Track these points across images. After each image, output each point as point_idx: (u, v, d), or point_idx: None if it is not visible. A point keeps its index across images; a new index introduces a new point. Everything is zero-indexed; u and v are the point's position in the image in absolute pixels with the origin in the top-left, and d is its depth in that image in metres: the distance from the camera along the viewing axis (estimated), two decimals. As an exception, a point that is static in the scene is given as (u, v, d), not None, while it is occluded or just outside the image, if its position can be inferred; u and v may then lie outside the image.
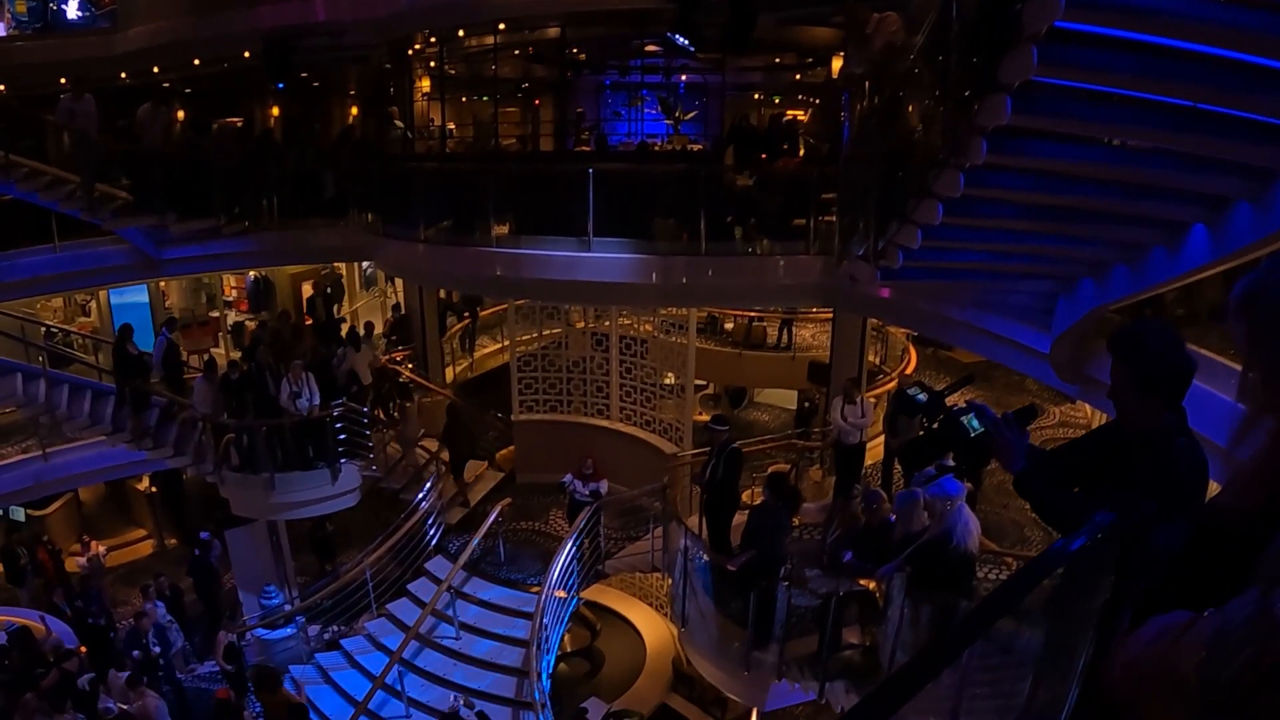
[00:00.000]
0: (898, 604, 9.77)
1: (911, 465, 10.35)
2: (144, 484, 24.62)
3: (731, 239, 16.13)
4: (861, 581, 10.65)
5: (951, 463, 9.54)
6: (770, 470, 15.85)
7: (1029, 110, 6.09)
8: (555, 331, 21.00)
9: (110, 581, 21.33)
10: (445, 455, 19.88)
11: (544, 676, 14.83)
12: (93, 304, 26.20)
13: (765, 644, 11.66)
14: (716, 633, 12.64)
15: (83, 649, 16.23)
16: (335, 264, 27.25)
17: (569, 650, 18.21)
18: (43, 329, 23.50)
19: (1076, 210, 8.05)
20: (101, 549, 21.52)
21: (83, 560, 20.54)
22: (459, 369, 24.57)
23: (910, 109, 9.52)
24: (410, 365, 22.28)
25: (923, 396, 4.75)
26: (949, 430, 4.41)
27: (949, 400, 4.63)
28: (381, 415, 20.27)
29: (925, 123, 8.71)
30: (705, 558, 13.09)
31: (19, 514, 22.96)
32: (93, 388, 19.98)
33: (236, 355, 18.95)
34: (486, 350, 26.10)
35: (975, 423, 4.24)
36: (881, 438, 17.07)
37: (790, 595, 11.07)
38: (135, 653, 16.45)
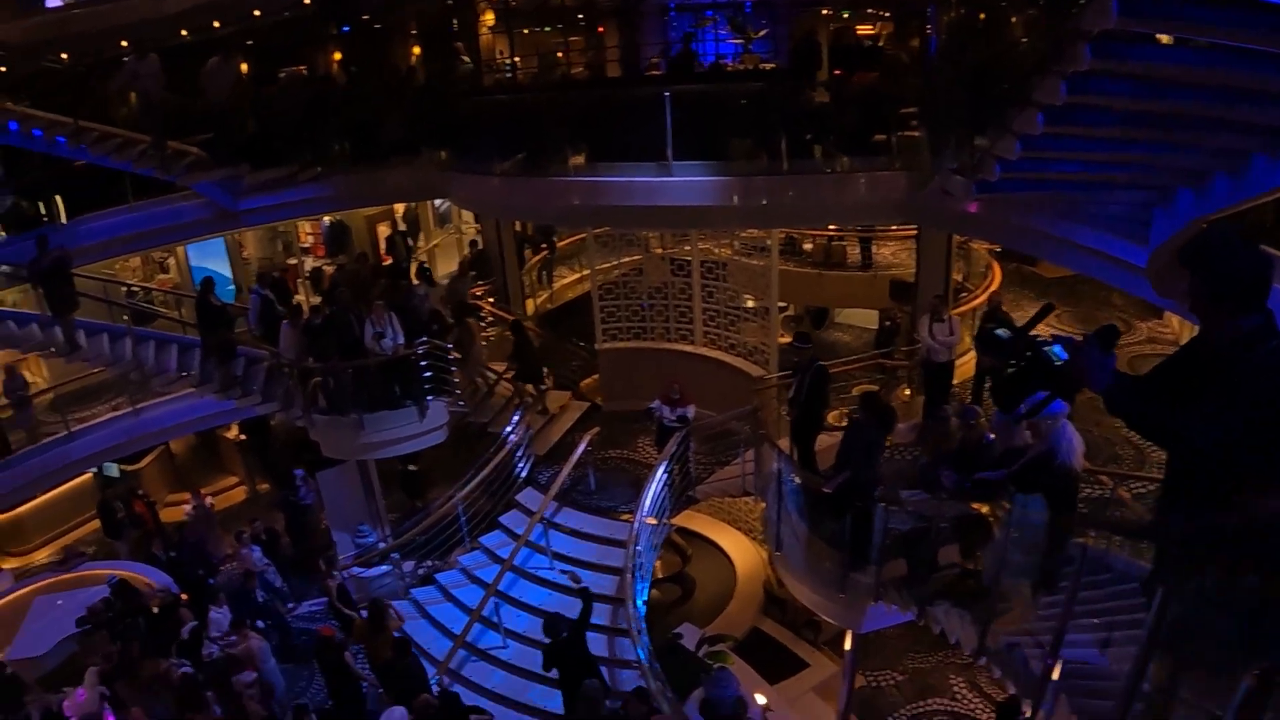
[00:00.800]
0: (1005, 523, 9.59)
1: (1005, 404, 10.11)
2: (233, 432, 25.20)
3: (811, 157, 15.85)
4: (961, 503, 10.46)
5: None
6: (861, 390, 15.76)
7: (1135, 12, 5.84)
8: (635, 259, 20.86)
9: (199, 531, 21.71)
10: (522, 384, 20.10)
11: (639, 603, 14.93)
12: (171, 260, 26.62)
13: (862, 566, 11.56)
14: (811, 556, 12.56)
15: (184, 596, 16.63)
16: (410, 203, 27.31)
17: (660, 577, 18.32)
18: (124, 289, 23.97)
19: (1177, 117, 7.77)
20: (209, 499, 21.98)
21: (189, 509, 20.98)
22: (539, 301, 24.58)
23: (1012, 19, 9.22)
24: (491, 299, 22.32)
25: (1006, 333, 4.69)
26: (1036, 363, 4.35)
27: (1032, 333, 4.53)
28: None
29: (1025, 30, 8.45)
30: (798, 480, 12.99)
31: (113, 470, 23.59)
32: (178, 342, 20.33)
33: (316, 300, 19.02)
34: (565, 281, 26.14)
35: (1060, 351, 4.21)
36: (970, 355, 16.82)
37: (887, 516, 10.96)
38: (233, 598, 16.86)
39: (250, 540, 18.15)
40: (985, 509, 10.10)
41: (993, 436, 10.93)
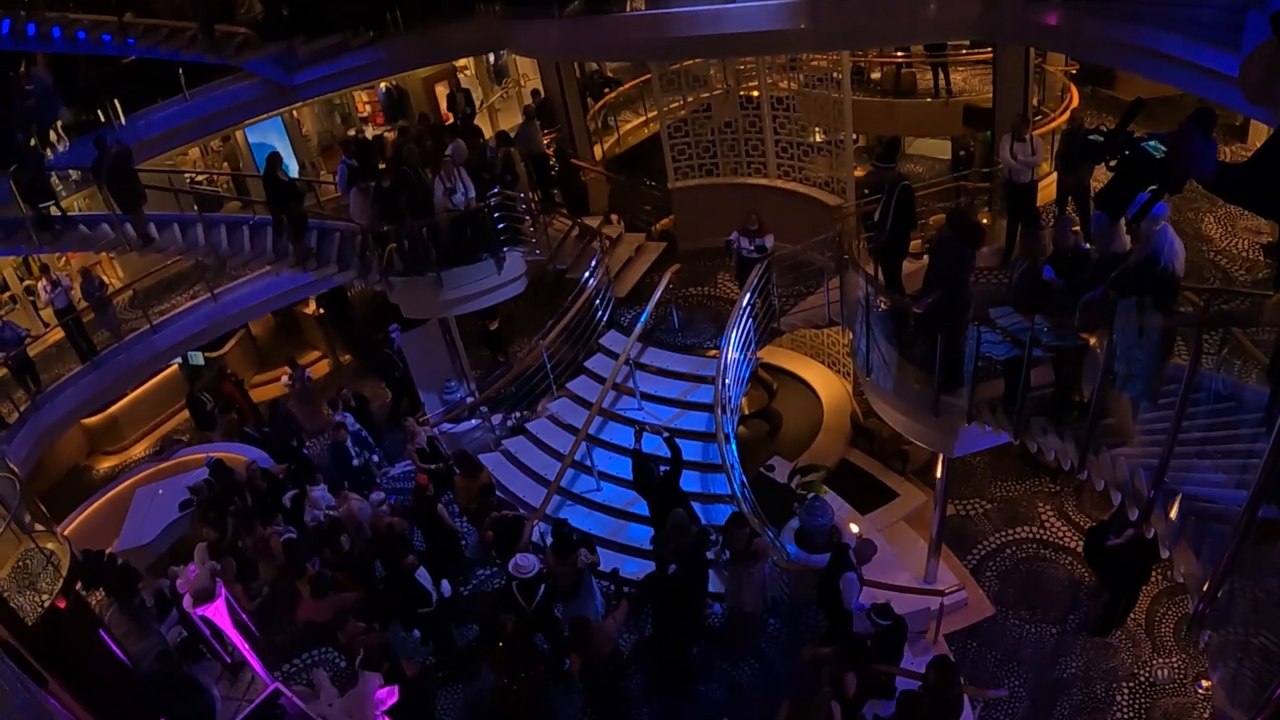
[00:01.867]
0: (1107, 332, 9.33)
1: (1112, 207, 9.70)
2: (311, 308, 25.59)
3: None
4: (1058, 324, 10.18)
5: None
6: (940, 220, 15.38)
7: None
8: (702, 96, 20.31)
9: (292, 404, 22.29)
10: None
11: (731, 439, 14.98)
12: (231, 145, 26.74)
13: (954, 388, 11.40)
14: (902, 380, 12.38)
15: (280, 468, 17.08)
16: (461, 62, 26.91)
17: (747, 413, 18.39)
18: (188, 178, 24.06)
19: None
20: (307, 369, 22.35)
21: (287, 380, 21.34)
22: (606, 146, 24.21)
23: None
24: (551, 138, 22.10)
25: (1099, 137, 4.45)
26: (1137, 160, 4.14)
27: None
28: (537, 199, 20.10)
29: None
30: (886, 304, 12.78)
31: (197, 358, 24.11)
32: (249, 222, 20.28)
33: (381, 166, 18.93)
34: (630, 125, 25.68)
35: (1157, 146, 4.01)
36: (1052, 177, 16.31)
37: (979, 336, 10.74)
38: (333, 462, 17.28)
39: (341, 407, 18.44)
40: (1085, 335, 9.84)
41: (1087, 246, 10.63)
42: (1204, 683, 12.87)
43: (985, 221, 16.93)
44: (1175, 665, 13.26)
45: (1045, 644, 13.76)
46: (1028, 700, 13.07)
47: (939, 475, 13.17)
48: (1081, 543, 14.55)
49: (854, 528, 13.90)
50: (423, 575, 12.72)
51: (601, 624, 11.91)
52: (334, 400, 19.03)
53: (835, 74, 17.27)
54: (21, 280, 24.27)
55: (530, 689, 11.26)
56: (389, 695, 10.62)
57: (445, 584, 12.93)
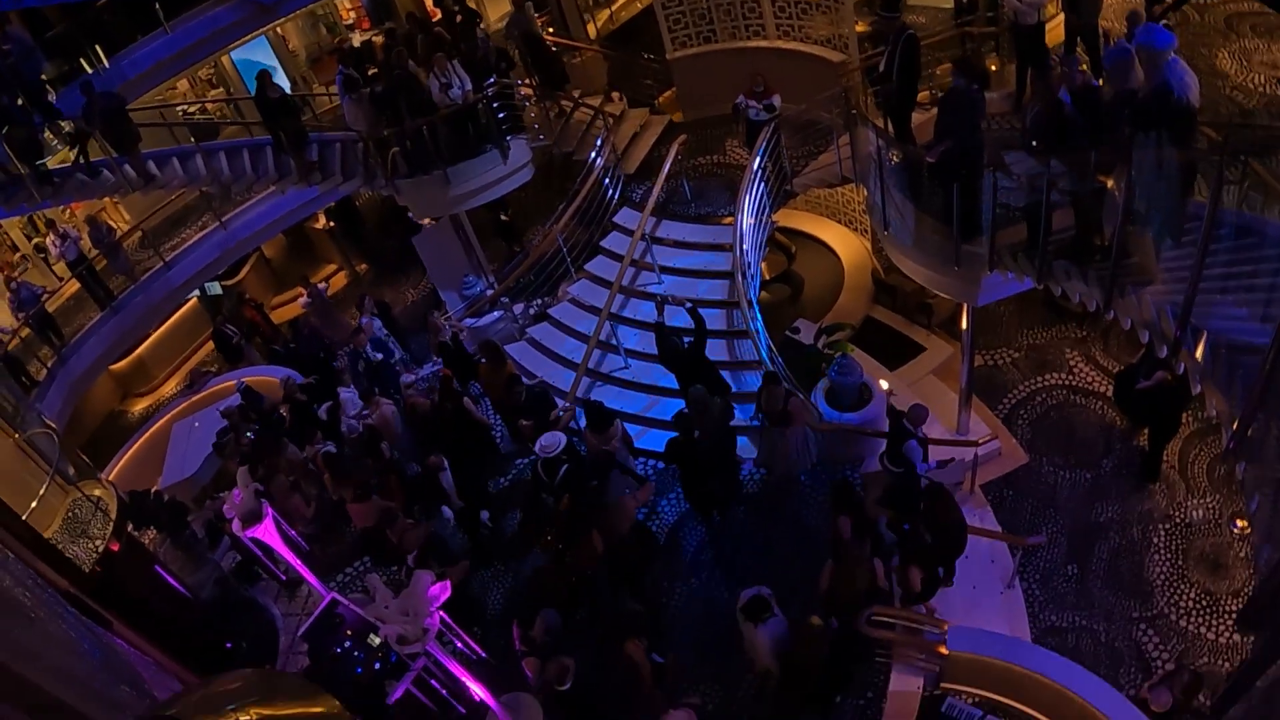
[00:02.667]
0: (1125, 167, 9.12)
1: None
2: (321, 222, 25.41)
3: None
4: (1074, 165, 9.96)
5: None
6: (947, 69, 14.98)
7: None
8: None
9: (313, 319, 22.10)
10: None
11: (754, 304, 14.95)
12: (218, 75, 26.43)
13: (973, 237, 11.26)
14: (921, 232, 12.23)
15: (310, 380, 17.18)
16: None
17: (768, 278, 18.28)
18: (180, 111, 23.83)
19: None
20: (321, 283, 22.35)
21: (305, 299, 21.35)
22: (600, 23, 23.65)
23: None
24: (550, 29, 21.52)
25: None
26: None
27: None
28: (535, 84, 19.74)
29: None
30: (898, 156, 12.53)
31: (215, 288, 24.10)
32: (247, 145, 20.08)
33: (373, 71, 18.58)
34: (621, 1, 25.00)
35: None
36: (1058, 18, 15.80)
37: (996, 181, 10.53)
38: (360, 364, 17.32)
39: (369, 310, 18.41)
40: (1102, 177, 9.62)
41: (1098, 82, 10.35)
42: (1239, 522, 12.99)
43: (994, 68, 16.52)
44: (1210, 506, 13.33)
45: (1080, 489, 13.85)
46: (1066, 545, 13.22)
47: (964, 326, 13.08)
48: (1111, 387, 14.51)
49: (883, 384, 13.88)
50: (446, 480, 12.85)
51: (620, 501, 12.03)
52: (359, 306, 18.98)
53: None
54: (30, 239, 24.30)
55: (584, 556, 11.44)
56: (442, 591, 10.75)
57: (485, 513, 13.11)
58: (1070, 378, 15.42)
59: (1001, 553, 12.78)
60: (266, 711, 3.91)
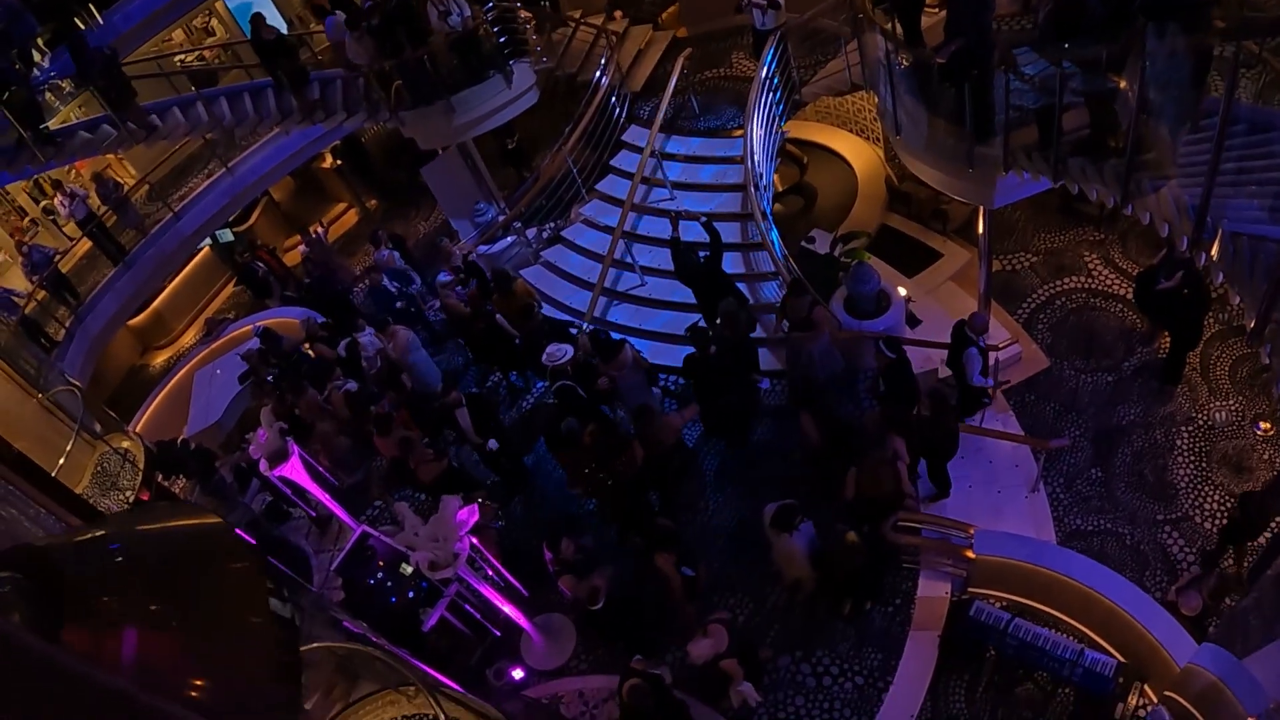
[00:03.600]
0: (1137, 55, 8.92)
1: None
2: (328, 161, 25.19)
3: None
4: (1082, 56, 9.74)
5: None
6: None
7: None
8: None
9: (310, 269, 22.11)
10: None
11: (768, 215, 14.85)
12: (214, 23, 26.22)
13: (987, 138, 11.07)
14: (933, 136, 12.02)
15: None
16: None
17: (781, 190, 18.14)
18: (178, 60, 23.62)
19: None
20: (319, 228, 22.28)
21: (303, 248, 21.30)
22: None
23: None
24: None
25: None
26: None
27: None
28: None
29: None
30: (907, 60, 12.31)
31: (226, 235, 23.89)
32: (248, 89, 19.95)
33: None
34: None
35: None
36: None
37: (1008, 80, 10.34)
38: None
39: (386, 242, 18.37)
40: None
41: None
42: (1262, 424, 12.94)
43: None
44: (1233, 408, 13.24)
45: (1102, 392, 13.77)
46: (1090, 448, 13.16)
47: (981, 230, 12.92)
48: (1131, 289, 14.33)
49: (901, 291, 13.80)
50: (464, 418, 12.91)
51: (667, 414, 12.07)
52: (372, 241, 18.91)
53: None
54: (38, 203, 24.26)
55: (624, 466, 11.54)
56: (470, 515, 10.89)
57: (493, 442, 13.12)
58: (1089, 280, 15.25)
59: (1025, 457, 12.78)
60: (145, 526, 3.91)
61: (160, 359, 24.31)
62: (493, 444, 13.00)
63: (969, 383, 12.04)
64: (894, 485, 10.82)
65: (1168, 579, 11.71)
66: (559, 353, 12.19)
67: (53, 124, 19.50)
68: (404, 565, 10.82)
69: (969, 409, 12.53)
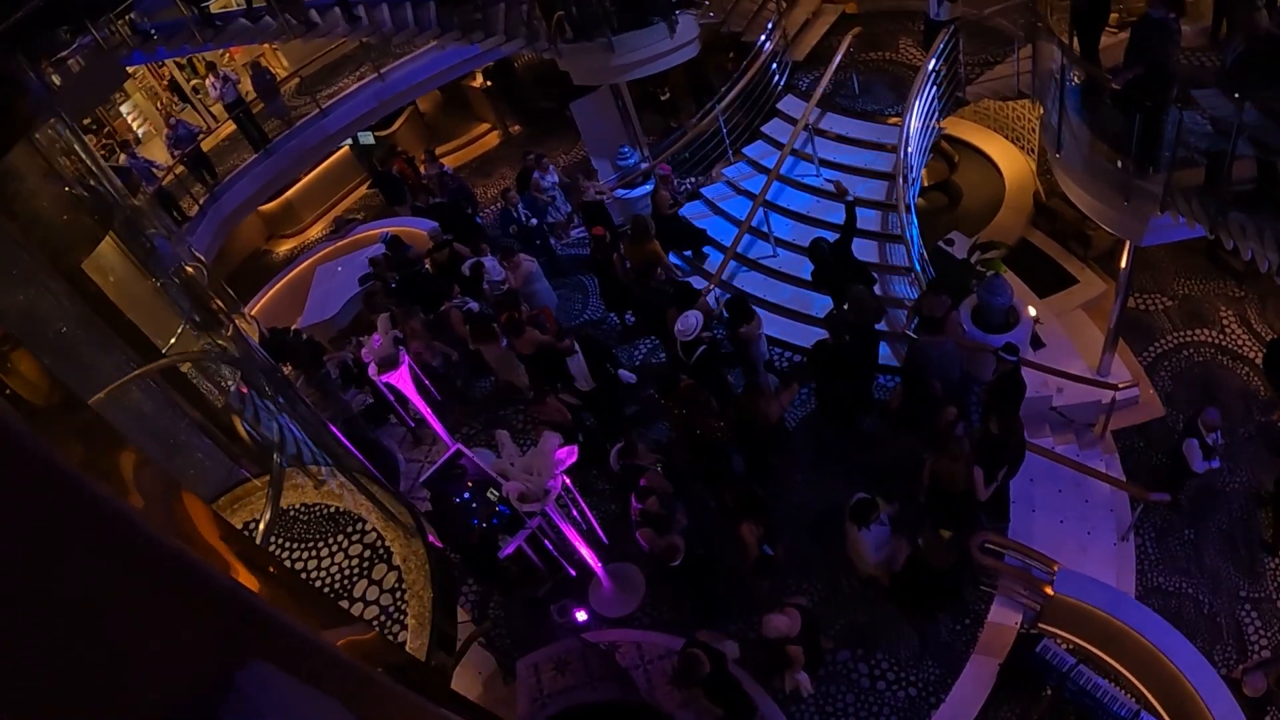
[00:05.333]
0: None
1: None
2: (478, 81, 25.38)
3: None
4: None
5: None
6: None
7: None
8: None
9: (466, 175, 22.55)
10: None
11: (911, 209, 14.68)
12: None
13: (1149, 172, 10.77)
14: (1094, 159, 11.74)
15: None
16: None
17: (927, 184, 17.87)
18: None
19: None
20: (445, 165, 22.13)
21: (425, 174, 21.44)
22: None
23: None
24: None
25: None
26: None
27: None
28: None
29: None
30: (1081, 77, 12.00)
31: (368, 138, 24.34)
32: (410, -1, 20.10)
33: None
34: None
35: None
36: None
37: (1181, 117, 10.01)
38: (511, 227, 17.52)
39: (545, 165, 18.43)
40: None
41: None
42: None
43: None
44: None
45: (1212, 452, 13.40)
46: (1188, 506, 12.82)
47: (1123, 264, 12.57)
48: (1262, 354, 13.92)
49: (1031, 310, 13.53)
50: (576, 364, 13.00)
51: (771, 392, 12.07)
52: (535, 158, 18.81)
53: None
54: (188, 80, 24.84)
55: (713, 430, 11.61)
56: (568, 455, 11.00)
57: (628, 374, 13.29)
58: (1221, 336, 14.80)
59: (1122, 503, 12.53)
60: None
61: (285, 247, 24.96)
62: (629, 376, 13.08)
63: (1189, 468, 11.77)
64: (967, 481, 10.71)
65: (1237, 656, 11.49)
66: (688, 326, 12.17)
67: (214, 7, 19.94)
68: (491, 491, 10.99)
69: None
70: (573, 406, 12.72)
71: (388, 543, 5.77)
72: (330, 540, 5.91)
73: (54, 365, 5.27)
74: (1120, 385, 12.81)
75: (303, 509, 6.17)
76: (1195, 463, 11.62)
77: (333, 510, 6.11)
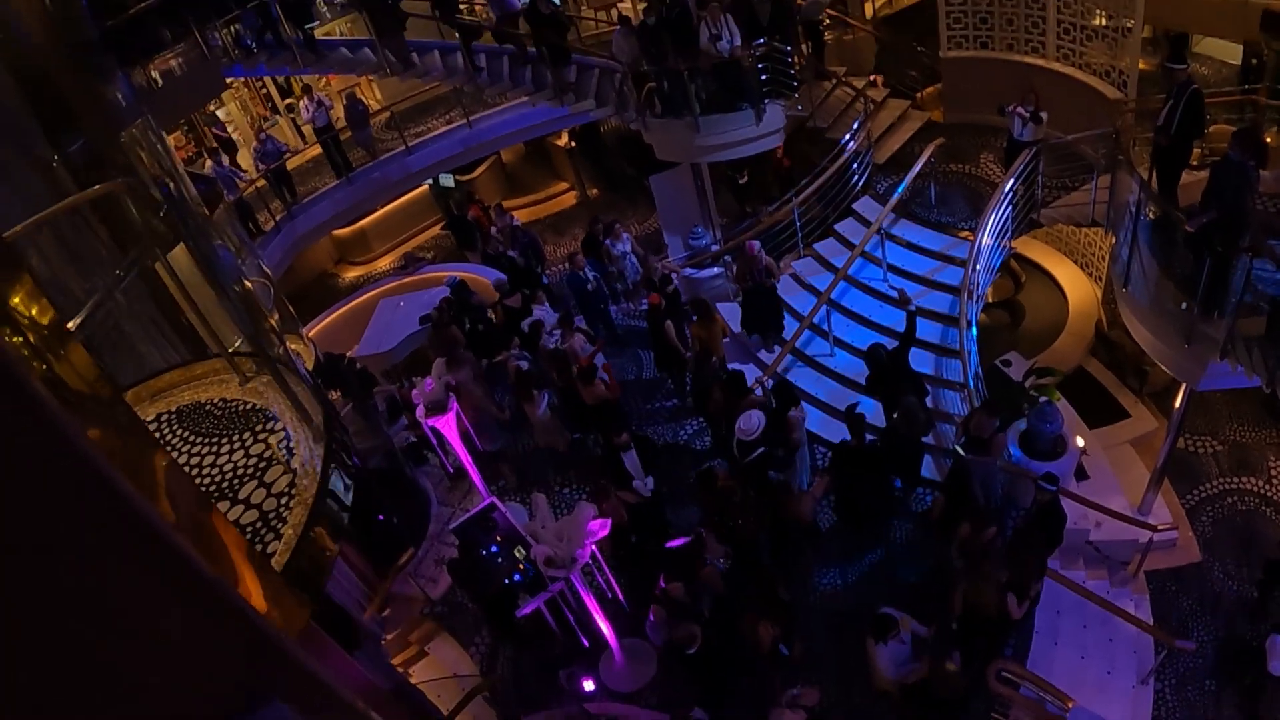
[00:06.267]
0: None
1: None
2: (563, 140, 25.74)
3: None
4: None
5: None
6: (1220, 129, 14.19)
7: None
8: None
9: (540, 231, 22.86)
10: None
11: (973, 324, 14.67)
12: None
13: (1213, 316, 10.76)
14: (1159, 298, 11.75)
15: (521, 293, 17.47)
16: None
17: (991, 301, 17.88)
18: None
19: None
20: (514, 217, 22.24)
21: (496, 230, 21.51)
22: (878, 3, 23.25)
23: None
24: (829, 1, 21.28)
25: None
26: None
27: None
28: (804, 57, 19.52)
29: None
30: (1155, 213, 12.01)
31: (448, 180, 24.87)
32: (508, 52, 20.51)
33: (643, 6, 18.71)
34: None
35: None
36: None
37: (1250, 265, 10.00)
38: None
39: (618, 231, 18.66)
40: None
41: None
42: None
43: (1270, 142, 15.61)
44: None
45: (1245, 606, 13.14)
46: (1213, 658, 12.58)
47: (1177, 405, 12.51)
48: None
49: (1079, 441, 13.43)
50: (631, 460, 13.05)
51: (803, 491, 12.05)
52: (604, 227, 18.90)
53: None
54: (284, 98, 25.48)
55: (749, 528, 11.68)
56: (601, 527, 11.03)
57: (650, 481, 13.15)
58: (1269, 487, 14.58)
59: (1146, 645, 12.28)
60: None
61: (352, 274, 25.36)
62: (650, 483, 13.11)
63: (1268, 666, 11.51)
64: (999, 605, 10.56)
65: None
66: (750, 426, 12.22)
67: (318, 32, 20.51)
68: (519, 548, 11.04)
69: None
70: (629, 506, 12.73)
71: (292, 444, 5.46)
72: (235, 438, 5.64)
73: (108, 358, 5.36)
74: (1160, 526, 12.66)
75: (220, 403, 6.00)
76: (1272, 662, 11.35)
77: (249, 406, 5.90)
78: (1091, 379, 16.46)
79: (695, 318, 14.96)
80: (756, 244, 15.90)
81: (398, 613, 12.82)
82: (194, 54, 18.43)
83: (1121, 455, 14.70)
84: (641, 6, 20.77)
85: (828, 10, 20.85)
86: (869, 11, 22.72)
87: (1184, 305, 11.18)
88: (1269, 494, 14.49)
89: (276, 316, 12.47)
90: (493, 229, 21.25)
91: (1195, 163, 13.77)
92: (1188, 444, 15.08)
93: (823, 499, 12.89)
